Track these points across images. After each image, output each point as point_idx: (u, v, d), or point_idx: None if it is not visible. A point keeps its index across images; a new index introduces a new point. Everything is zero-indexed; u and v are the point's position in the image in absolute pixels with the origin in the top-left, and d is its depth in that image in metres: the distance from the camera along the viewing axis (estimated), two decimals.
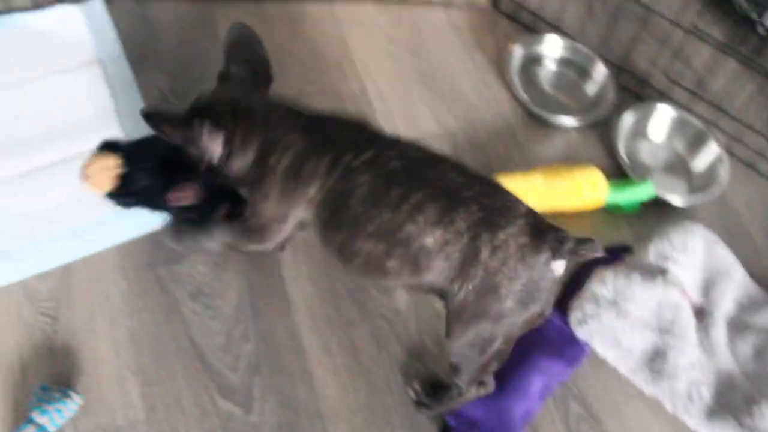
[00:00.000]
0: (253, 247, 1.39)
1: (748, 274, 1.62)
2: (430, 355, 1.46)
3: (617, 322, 1.47)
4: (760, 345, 1.51)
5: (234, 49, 1.37)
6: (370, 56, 1.91)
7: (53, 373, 1.38)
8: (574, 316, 1.49)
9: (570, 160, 1.76)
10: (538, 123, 1.83)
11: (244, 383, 1.40)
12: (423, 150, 1.25)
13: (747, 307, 1.57)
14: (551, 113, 1.81)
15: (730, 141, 1.81)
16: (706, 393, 1.44)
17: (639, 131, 1.82)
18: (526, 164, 1.74)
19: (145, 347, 1.43)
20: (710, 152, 1.78)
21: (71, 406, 1.31)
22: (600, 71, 1.90)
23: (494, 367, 1.31)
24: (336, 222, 1.22)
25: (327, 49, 1.91)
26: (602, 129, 1.82)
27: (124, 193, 1.39)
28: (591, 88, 1.91)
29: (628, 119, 1.79)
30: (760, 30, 2.05)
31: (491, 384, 1.36)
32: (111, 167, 1.36)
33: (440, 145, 1.74)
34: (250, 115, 1.27)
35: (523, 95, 1.85)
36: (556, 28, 1.98)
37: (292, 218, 1.27)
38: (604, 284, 1.50)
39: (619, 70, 1.91)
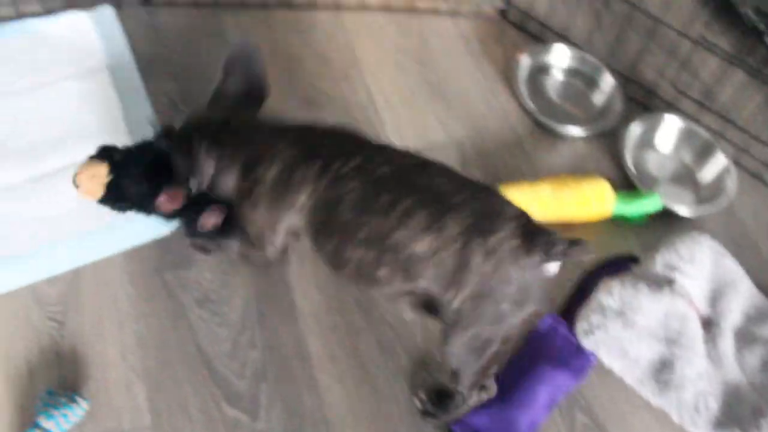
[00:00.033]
0: (255, 256, 1.40)
1: (756, 285, 1.62)
2: (435, 363, 1.46)
3: (624, 332, 1.47)
4: (767, 356, 1.51)
5: (232, 64, 1.38)
6: (378, 65, 1.92)
7: (60, 377, 1.38)
8: (581, 327, 1.49)
9: (577, 170, 1.76)
10: (545, 133, 1.83)
11: (250, 390, 1.40)
12: (412, 156, 1.25)
13: (754, 318, 1.57)
14: (558, 123, 1.82)
15: (737, 152, 1.81)
16: (714, 404, 1.44)
17: (646, 141, 1.82)
18: (533, 174, 1.74)
19: (152, 352, 1.43)
20: (717, 163, 1.78)
21: (77, 411, 1.31)
22: (607, 81, 1.90)
23: (494, 370, 1.31)
24: (327, 229, 1.22)
25: (335, 58, 1.92)
26: (609, 139, 1.82)
27: (115, 200, 1.41)
28: (598, 98, 1.91)
29: (635, 129, 1.79)
30: None
31: (493, 388, 1.36)
32: (100, 175, 1.38)
33: (447, 154, 1.75)
34: (239, 133, 1.28)
35: (531, 105, 1.85)
36: (564, 38, 1.99)
37: (282, 226, 1.28)
38: (611, 294, 1.50)
39: (627, 81, 1.91)
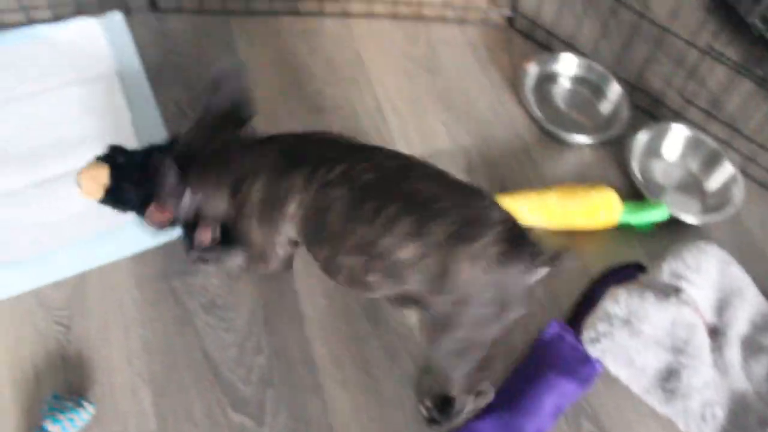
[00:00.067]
0: (261, 270, 1.41)
1: (762, 294, 1.62)
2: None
3: (630, 340, 1.46)
4: None
5: (217, 83, 1.38)
6: (385, 72, 1.92)
7: (66, 381, 1.39)
8: (587, 335, 1.48)
9: (583, 178, 1.76)
10: (552, 140, 1.83)
11: (256, 396, 1.40)
12: (398, 158, 1.25)
13: (761, 327, 1.56)
14: (565, 131, 1.82)
15: (744, 161, 1.81)
16: (720, 413, 1.43)
17: (653, 150, 1.82)
18: (539, 181, 1.74)
19: (158, 357, 1.43)
20: (724, 172, 1.77)
21: (83, 415, 1.32)
22: (614, 90, 1.90)
23: (487, 375, 1.31)
24: (318, 238, 1.23)
25: (342, 65, 1.93)
26: (616, 147, 1.82)
27: (113, 202, 1.44)
28: (605, 107, 1.91)
29: (642, 138, 1.79)
30: None
31: (490, 393, 1.37)
32: (101, 177, 1.41)
33: (454, 161, 1.75)
34: (220, 156, 1.30)
35: (537, 112, 1.85)
36: (571, 46, 1.99)
37: (280, 238, 1.29)
38: (617, 303, 1.49)
39: (633, 89, 1.91)
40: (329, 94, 1.86)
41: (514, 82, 1.93)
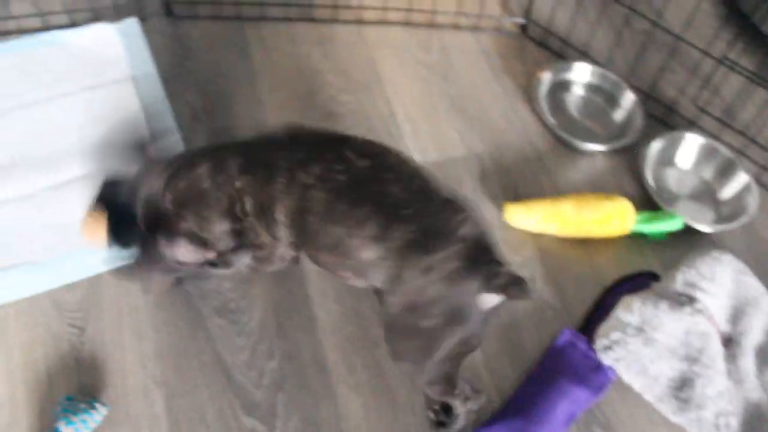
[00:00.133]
0: (268, 269, 1.43)
1: None
2: None
3: (644, 349, 1.46)
4: None
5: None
6: (399, 79, 1.93)
7: (79, 383, 1.39)
8: (600, 343, 1.48)
9: (597, 186, 1.76)
10: (565, 148, 1.83)
11: (267, 400, 1.40)
12: (371, 157, 1.25)
13: None
14: (578, 139, 1.81)
15: (759, 170, 1.80)
16: (734, 423, 1.42)
17: (666, 158, 1.81)
18: (552, 189, 1.74)
19: (171, 361, 1.43)
20: (738, 181, 1.77)
21: (96, 417, 1.32)
22: (628, 98, 1.90)
23: (454, 385, 1.30)
24: (304, 237, 1.26)
25: (356, 71, 1.93)
26: (629, 155, 1.81)
27: (120, 245, 1.43)
28: (619, 115, 1.91)
29: (655, 146, 1.78)
30: None
31: (477, 397, 1.37)
32: (101, 226, 1.40)
33: (467, 168, 1.76)
34: (197, 201, 1.30)
35: (551, 120, 1.85)
36: (584, 54, 1.99)
37: (281, 240, 1.30)
38: (631, 311, 1.49)
39: (647, 98, 1.91)
40: (343, 100, 1.86)
41: (528, 90, 1.93)
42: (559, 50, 2.02)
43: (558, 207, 1.64)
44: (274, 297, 1.52)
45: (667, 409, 1.44)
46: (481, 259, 1.14)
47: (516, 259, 1.63)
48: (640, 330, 1.47)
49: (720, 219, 1.73)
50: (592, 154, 1.82)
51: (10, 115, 1.74)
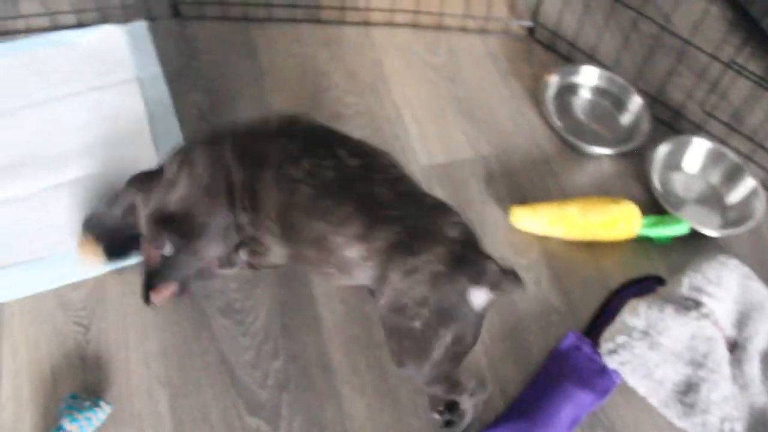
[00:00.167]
0: (263, 263, 1.43)
1: None
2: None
3: (649, 353, 1.45)
4: None
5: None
6: (406, 81, 1.93)
7: (84, 381, 1.39)
8: (605, 347, 1.47)
9: (603, 189, 1.76)
10: (572, 151, 1.82)
11: (271, 400, 1.40)
12: (362, 156, 1.26)
13: None
14: (585, 142, 1.81)
15: (766, 175, 1.79)
16: (739, 428, 1.41)
17: (673, 162, 1.81)
18: (559, 192, 1.74)
19: (175, 360, 1.43)
20: (746, 186, 1.76)
21: (101, 415, 1.32)
22: (635, 102, 1.90)
23: (452, 382, 1.29)
24: (288, 234, 1.26)
25: (363, 73, 1.93)
26: (636, 159, 1.81)
27: (118, 258, 1.49)
28: (626, 119, 1.91)
29: (662, 150, 1.78)
30: None
31: (483, 389, 1.35)
32: (95, 251, 1.46)
33: (474, 171, 1.75)
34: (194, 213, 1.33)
35: (558, 123, 1.85)
36: (592, 58, 1.99)
37: (268, 231, 1.31)
38: (637, 315, 1.48)
39: (654, 101, 1.91)
40: (349, 101, 1.87)
41: (535, 93, 1.92)
42: (566, 53, 2.02)
43: (564, 210, 1.64)
44: (278, 297, 1.52)
45: (672, 414, 1.44)
46: (467, 258, 1.14)
47: (522, 262, 1.62)
48: (645, 334, 1.46)
49: (726, 224, 1.73)
50: (598, 157, 1.82)
51: (19, 114, 1.74)
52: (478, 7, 2.07)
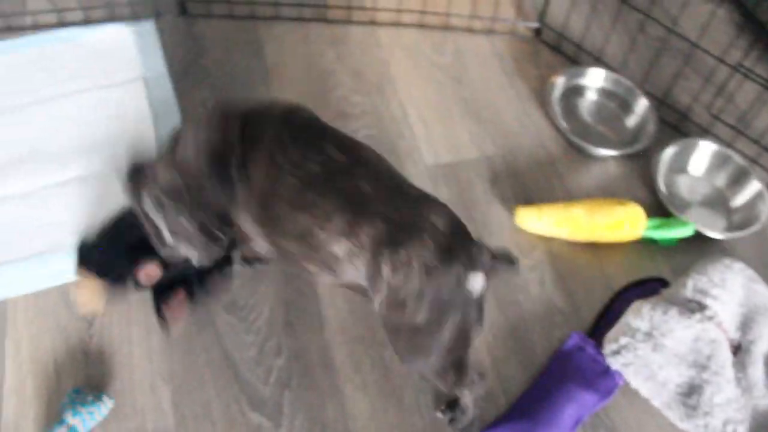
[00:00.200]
0: (249, 251, 1.44)
1: None
2: None
3: (653, 355, 1.45)
4: None
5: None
6: (412, 80, 1.93)
7: (87, 376, 1.40)
8: (609, 348, 1.47)
9: (608, 191, 1.75)
10: (577, 153, 1.82)
11: (274, 397, 1.40)
12: (349, 150, 1.24)
13: None
14: (591, 144, 1.81)
15: None
16: (742, 431, 1.41)
17: (679, 165, 1.81)
18: (564, 193, 1.74)
19: (178, 356, 1.44)
20: (751, 189, 1.75)
21: (103, 409, 1.32)
22: (641, 104, 1.89)
23: (460, 372, 1.28)
24: (269, 224, 1.24)
25: (369, 72, 1.94)
26: (642, 160, 1.81)
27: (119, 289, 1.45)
28: (631, 121, 1.90)
29: (668, 152, 1.78)
30: None
31: (482, 381, 1.34)
32: (93, 286, 1.41)
33: (479, 171, 1.75)
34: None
35: (564, 124, 1.85)
36: (598, 60, 1.99)
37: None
38: (641, 317, 1.48)
39: (661, 104, 1.90)
40: (355, 101, 1.87)
41: (541, 94, 1.92)
42: (572, 55, 2.02)
43: (569, 211, 1.64)
44: (282, 295, 1.53)
45: (675, 416, 1.43)
46: (459, 246, 1.14)
47: (526, 263, 1.62)
48: (649, 335, 1.46)
49: (731, 227, 1.72)
50: (604, 159, 1.82)
51: (27, 110, 1.75)
52: (484, 7, 2.07)
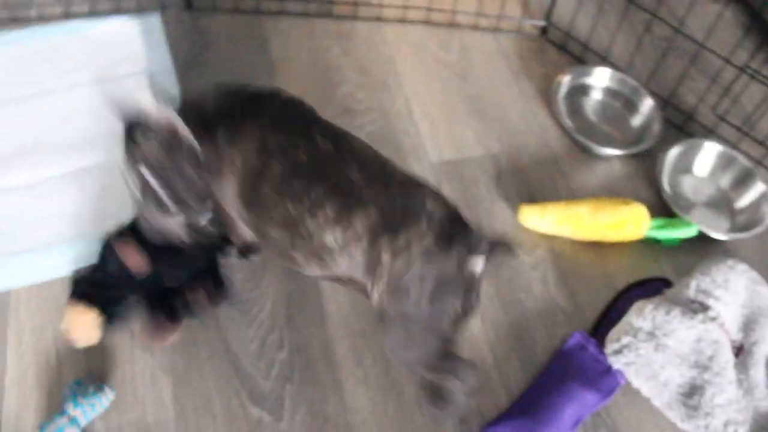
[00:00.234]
0: (238, 240, 1.43)
1: None
2: None
3: (655, 355, 1.45)
4: None
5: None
6: (417, 77, 1.93)
7: (88, 367, 1.40)
8: (611, 347, 1.47)
9: (612, 191, 1.75)
10: (582, 152, 1.82)
11: (275, 391, 1.40)
12: (335, 138, 1.23)
13: None
14: (596, 143, 1.81)
15: None
16: None
17: (684, 165, 1.80)
18: (568, 192, 1.73)
19: (180, 349, 1.44)
20: (756, 190, 1.75)
21: (104, 401, 1.33)
22: (646, 104, 1.89)
23: (450, 364, 1.28)
24: (254, 210, 1.23)
25: (375, 69, 1.93)
26: (646, 160, 1.80)
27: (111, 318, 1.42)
28: (636, 120, 1.90)
29: (673, 152, 1.77)
30: None
31: (469, 370, 1.31)
32: (86, 317, 1.38)
33: (483, 168, 1.75)
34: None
35: (569, 123, 1.84)
36: (604, 59, 1.98)
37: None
38: (643, 316, 1.48)
39: (666, 104, 1.90)
40: (360, 97, 1.87)
41: (546, 93, 1.92)
42: (578, 54, 2.02)
43: (573, 210, 1.64)
44: (285, 289, 1.53)
45: (676, 416, 1.43)
46: (458, 229, 1.13)
47: (529, 261, 1.62)
48: (651, 335, 1.46)
49: (735, 228, 1.72)
50: (608, 158, 1.82)
51: (32, 101, 1.75)
52: (491, 5, 2.07)
